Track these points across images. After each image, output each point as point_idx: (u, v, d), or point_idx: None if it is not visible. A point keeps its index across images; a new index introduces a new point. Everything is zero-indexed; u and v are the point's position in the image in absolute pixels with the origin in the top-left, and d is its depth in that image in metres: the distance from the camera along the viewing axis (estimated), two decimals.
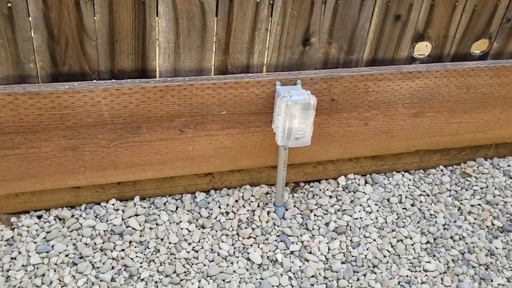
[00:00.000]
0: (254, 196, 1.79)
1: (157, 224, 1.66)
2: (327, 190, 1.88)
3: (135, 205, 1.69)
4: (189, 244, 1.62)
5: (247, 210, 1.75)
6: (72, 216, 1.63)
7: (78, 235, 1.59)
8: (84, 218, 1.63)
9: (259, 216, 1.73)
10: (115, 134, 1.49)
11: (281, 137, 1.52)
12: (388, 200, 1.87)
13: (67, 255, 1.53)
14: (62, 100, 1.38)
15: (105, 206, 1.67)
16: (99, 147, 1.50)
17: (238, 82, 1.51)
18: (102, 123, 1.45)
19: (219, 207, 1.74)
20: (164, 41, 1.43)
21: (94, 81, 1.43)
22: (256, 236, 1.67)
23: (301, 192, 1.87)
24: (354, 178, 1.93)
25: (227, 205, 1.75)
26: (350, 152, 1.81)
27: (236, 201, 1.77)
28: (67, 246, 1.55)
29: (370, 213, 1.82)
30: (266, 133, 1.64)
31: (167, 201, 1.73)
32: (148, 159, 1.58)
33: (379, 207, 1.84)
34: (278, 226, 1.72)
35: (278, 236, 1.69)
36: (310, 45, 1.57)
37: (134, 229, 1.62)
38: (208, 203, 1.75)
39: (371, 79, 1.64)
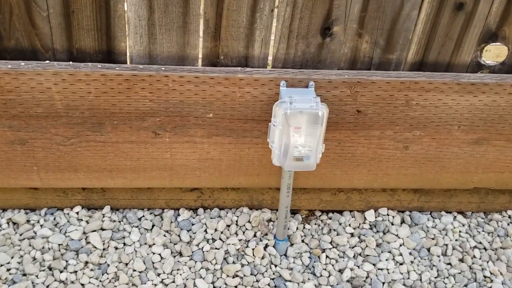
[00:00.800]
0: (251, 222, 1.43)
1: (124, 244, 1.35)
2: (349, 225, 1.47)
3: (103, 217, 1.40)
4: (158, 274, 1.30)
5: (239, 240, 1.39)
6: (28, 221, 1.37)
7: (29, 245, 1.32)
8: (41, 226, 1.36)
9: (253, 250, 1.36)
10: (71, 130, 1.19)
11: (277, 156, 1.15)
12: (429, 250, 1.42)
13: (8, 270, 1.26)
14: (4, 82, 1.11)
15: (68, 214, 1.39)
16: (53, 143, 1.21)
17: (229, 78, 1.15)
18: (55, 115, 1.17)
19: (205, 231, 1.40)
20: (134, 17, 1.11)
21: (47, 62, 1.14)
22: (244, 275, 1.31)
23: (315, 224, 1.48)
24: (387, 215, 1.50)
25: (215, 230, 1.40)
26: (382, 181, 1.39)
27: (228, 226, 1.42)
28: (12, 258, 1.29)
29: (400, 264, 1.38)
30: (268, 147, 1.27)
31: (143, 216, 1.42)
32: (116, 164, 1.27)
33: (415, 258, 1.40)
34: (275, 266, 1.35)
35: (272, 279, 1.32)
36: (332, 36, 1.18)
37: (94, 247, 1.33)
38: (192, 224, 1.41)
39: (416, 88, 1.21)
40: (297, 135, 1.11)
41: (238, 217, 1.43)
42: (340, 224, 1.47)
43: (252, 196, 1.44)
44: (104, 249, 1.33)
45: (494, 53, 1.26)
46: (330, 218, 1.49)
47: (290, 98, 1.09)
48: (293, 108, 1.07)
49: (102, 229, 1.37)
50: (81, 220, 1.38)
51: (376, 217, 1.49)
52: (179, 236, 1.38)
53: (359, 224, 1.47)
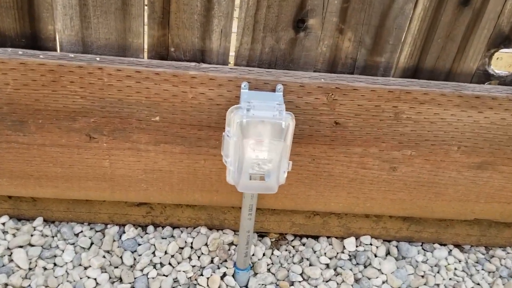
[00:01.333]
0: (208, 246, 1.21)
1: (54, 265, 1.15)
2: (324, 254, 1.25)
3: (33, 230, 1.19)
4: None
5: (193, 266, 1.18)
6: None
7: None
8: None
9: (207, 279, 1.15)
10: None
11: (232, 173, 0.93)
12: None
13: None
14: None
15: None
16: None
17: (178, 74, 0.94)
18: None
19: (153, 253, 1.19)
20: None
21: None
22: None
23: (286, 250, 1.26)
24: (370, 244, 1.29)
25: (165, 252, 1.19)
26: (364, 206, 1.17)
27: (181, 248, 1.21)
28: None
29: None
30: None
31: (81, 232, 1.21)
32: (44, 171, 1.06)
33: None
34: None
35: None
36: (306, 31, 0.96)
37: (18, 266, 1.12)
38: (139, 244, 1.20)
39: (408, 99, 0.99)
40: (257, 149, 0.89)
41: (194, 238, 1.22)
42: (315, 252, 1.26)
43: (211, 214, 1.23)
44: (30, 269, 1.13)
45: (506, 62, 1.04)
46: (304, 244, 1.28)
47: (248, 104, 0.88)
48: (250, 116, 0.86)
49: (31, 245, 1.17)
50: (7, 232, 1.17)
51: (357, 246, 1.27)
52: (121, 258, 1.17)
53: (337, 253, 1.26)
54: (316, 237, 1.29)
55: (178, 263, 1.18)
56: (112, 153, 1.04)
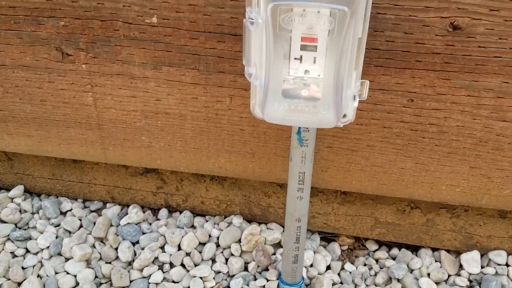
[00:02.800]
0: (240, 243, 0.80)
1: (26, 251, 0.81)
2: (427, 275, 0.77)
3: (11, 201, 0.88)
4: None
5: (217, 272, 0.77)
6: None
7: None
8: None
9: None
10: None
11: (258, 93, 0.53)
12: None
13: None
14: None
15: None
16: None
17: None
18: None
19: (161, 248, 0.81)
20: None
21: None
22: None
23: (365, 264, 0.81)
24: (507, 265, 0.78)
25: (179, 248, 0.80)
26: (500, 195, 0.69)
27: (201, 244, 0.81)
28: None
29: None
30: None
31: (70, 210, 0.87)
32: (9, 108, 0.75)
33: None
34: None
35: None
36: None
37: None
38: (143, 233, 0.83)
39: None
40: (305, 54, 0.48)
41: (221, 230, 0.82)
42: (412, 271, 0.79)
43: (248, 197, 0.82)
44: None
45: None
46: (394, 258, 0.81)
47: None
48: None
49: (1, 221, 0.85)
50: None
51: (483, 267, 0.78)
52: (116, 250, 0.80)
53: (448, 276, 0.77)
54: (414, 247, 0.82)
55: (195, 265, 0.78)
56: (96, 82, 0.69)
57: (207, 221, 0.84)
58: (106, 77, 0.69)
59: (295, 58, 0.49)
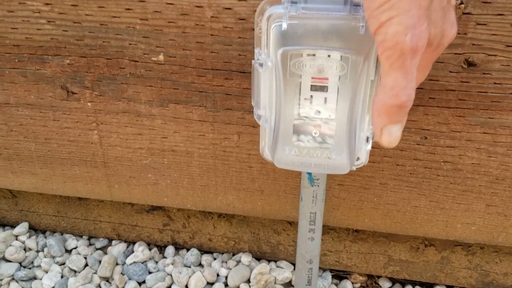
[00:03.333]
0: (250, 284, 0.78)
1: None
2: None
3: (15, 239, 0.86)
4: None
5: None
6: None
7: None
8: None
9: None
10: None
11: (268, 134, 0.51)
12: None
13: None
14: None
15: None
16: None
17: None
18: None
19: None
20: None
21: None
22: None
23: None
24: None
25: None
26: None
27: (209, 284, 0.78)
28: None
29: None
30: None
31: (75, 248, 0.85)
32: (14, 147, 0.74)
33: None
34: None
35: None
36: None
37: None
38: (149, 272, 0.80)
39: None
40: (316, 94, 0.47)
41: (230, 270, 0.80)
42: None
43: (257, 234, 0.80)
44: None
45: None
46: None
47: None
48: (301, 15, 0.44)
49: (5, 260, 0.83)
50: None
51: None
52: None
53: None
54: (428, 285, 0.79)
55: None
56: (101, 119, 0.68)
57: (215, 259, 0.82)
58: (111, 115, 0.68)
59: (305, 99, 0.48)
